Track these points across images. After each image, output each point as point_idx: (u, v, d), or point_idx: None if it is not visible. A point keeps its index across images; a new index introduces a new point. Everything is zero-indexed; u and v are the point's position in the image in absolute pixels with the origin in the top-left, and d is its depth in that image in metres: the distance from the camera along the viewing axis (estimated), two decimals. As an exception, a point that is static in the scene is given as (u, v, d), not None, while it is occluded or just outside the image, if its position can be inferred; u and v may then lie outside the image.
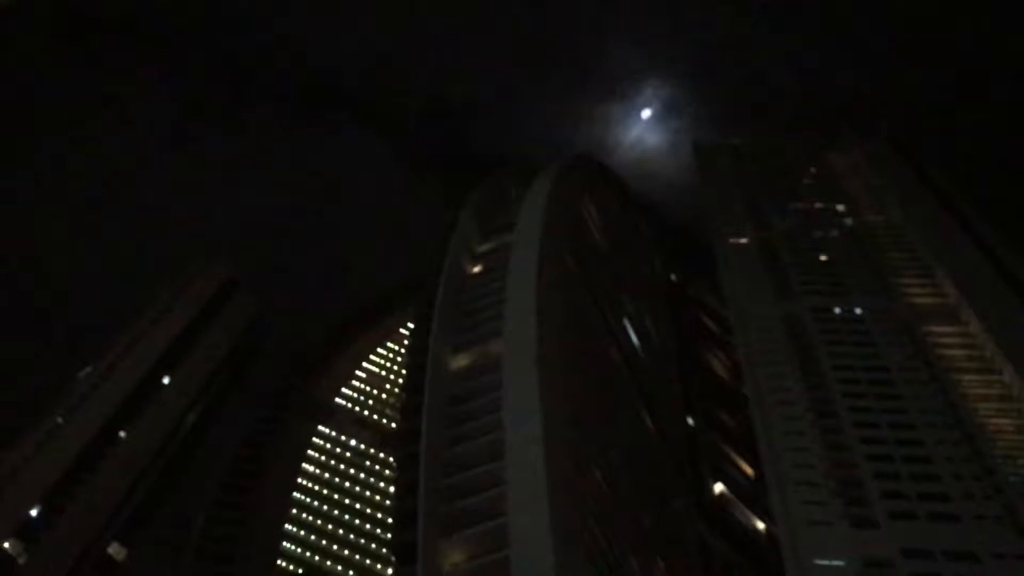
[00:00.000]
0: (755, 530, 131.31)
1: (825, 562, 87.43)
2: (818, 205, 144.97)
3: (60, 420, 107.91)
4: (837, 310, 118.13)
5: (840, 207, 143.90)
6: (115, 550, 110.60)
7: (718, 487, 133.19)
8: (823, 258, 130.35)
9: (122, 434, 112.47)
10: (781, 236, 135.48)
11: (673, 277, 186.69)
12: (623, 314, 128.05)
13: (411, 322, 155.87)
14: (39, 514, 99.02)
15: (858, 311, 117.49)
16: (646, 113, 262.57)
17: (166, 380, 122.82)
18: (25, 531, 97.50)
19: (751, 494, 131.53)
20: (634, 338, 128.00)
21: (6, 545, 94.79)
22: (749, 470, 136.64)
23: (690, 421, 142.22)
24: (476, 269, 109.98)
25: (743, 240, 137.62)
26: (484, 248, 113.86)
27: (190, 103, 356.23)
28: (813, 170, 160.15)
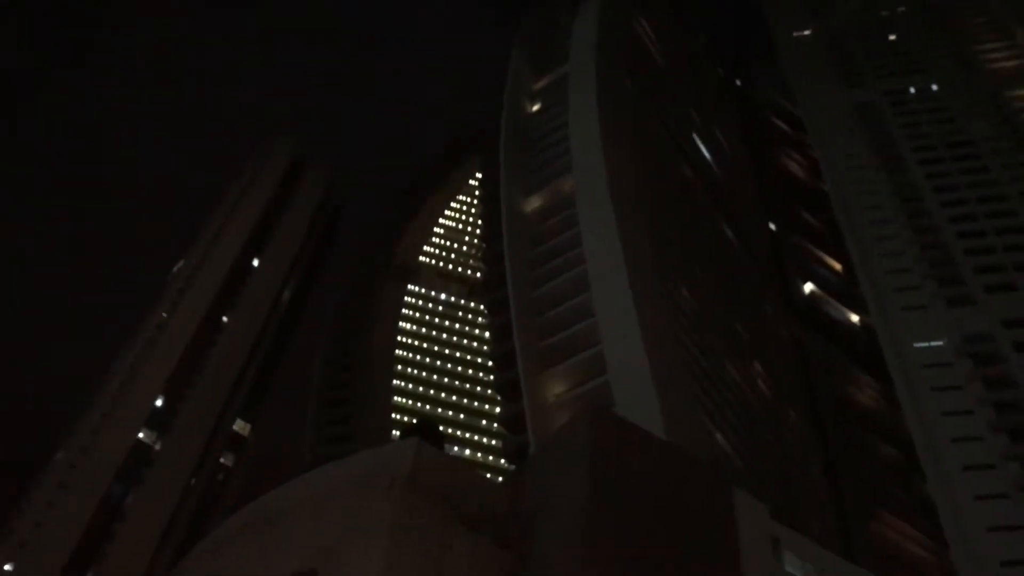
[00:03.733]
0: (849, 323, 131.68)
1: (923, 344, 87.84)
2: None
3: (165, 315, 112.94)
4: (912, 90, 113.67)
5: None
6: (240, 426, 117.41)
7: (808, 287, 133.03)
8: (892, 37, 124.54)
9: (225, 319, 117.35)
10: (845, 20, 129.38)
11: (738, 82, 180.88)
12: (691, 129, 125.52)
13: (479, 172, 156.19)
14: (164, 403, 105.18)
15: (934, 88, 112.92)
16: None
17: (256, 263, 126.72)
18: (155, 420, 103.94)
19: (842, 289, 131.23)
20: (705, 151, 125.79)
21: (141, 435, 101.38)
22: (837, 266, 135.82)
23: (772, 226, 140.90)
24: (536, 108, 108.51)
25: (806, 32, 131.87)
26: (541, 84, 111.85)
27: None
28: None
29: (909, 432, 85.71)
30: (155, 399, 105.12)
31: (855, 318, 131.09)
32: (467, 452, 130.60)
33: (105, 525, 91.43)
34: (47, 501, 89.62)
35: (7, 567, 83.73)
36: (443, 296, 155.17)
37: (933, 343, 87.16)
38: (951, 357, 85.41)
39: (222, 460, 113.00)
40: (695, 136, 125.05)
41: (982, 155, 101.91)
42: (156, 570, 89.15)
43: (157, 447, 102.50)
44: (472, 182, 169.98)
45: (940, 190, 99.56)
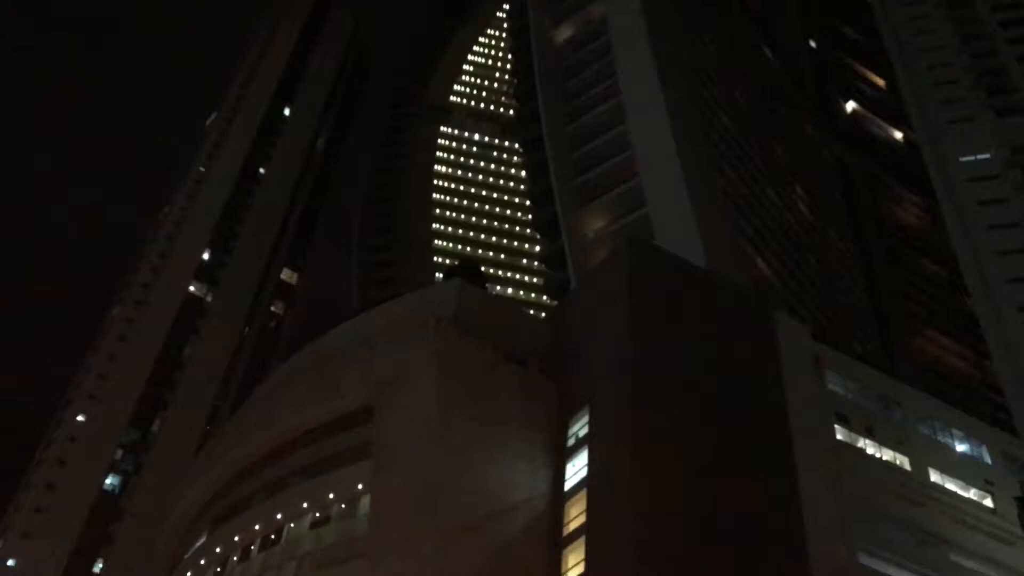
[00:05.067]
0: (893, 140, 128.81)
1: (970, 157, 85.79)
2: None
3: (202, 168, 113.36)
4: None
5: None
6: (287, 275, 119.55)
7: (850, 105, 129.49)
8: None
9: (262, 171, 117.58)
10: None
11: None
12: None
13: (506, 3, 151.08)
14: (211, 256, 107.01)
15: None
16: None
17: (287, 112, 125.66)
18: (204, 272, 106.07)
19: (885, 105, 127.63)
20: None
21: (192, 288, 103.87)
22: (880, 82, 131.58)
23: (812, 43, 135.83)
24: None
25: None
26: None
27: None
28: None
29: (953, 248, 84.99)
30: (202, 251, 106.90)
31: (898, 135, 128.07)
32: (509, 290, 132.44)
33: (166, 376, 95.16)
34: (107, 353, 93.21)
35: (79, 417, 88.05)
36: (476, 136, 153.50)
37: (980, 156, 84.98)
38: (998, 169, 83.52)
39: (273, 309, 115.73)
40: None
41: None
42: (217, 419, 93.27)
43: (209, 299, 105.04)
44: (500, 14, 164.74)
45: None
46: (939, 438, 53.70)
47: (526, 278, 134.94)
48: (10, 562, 78.12)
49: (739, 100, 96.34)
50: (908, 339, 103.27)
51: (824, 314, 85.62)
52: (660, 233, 69.04)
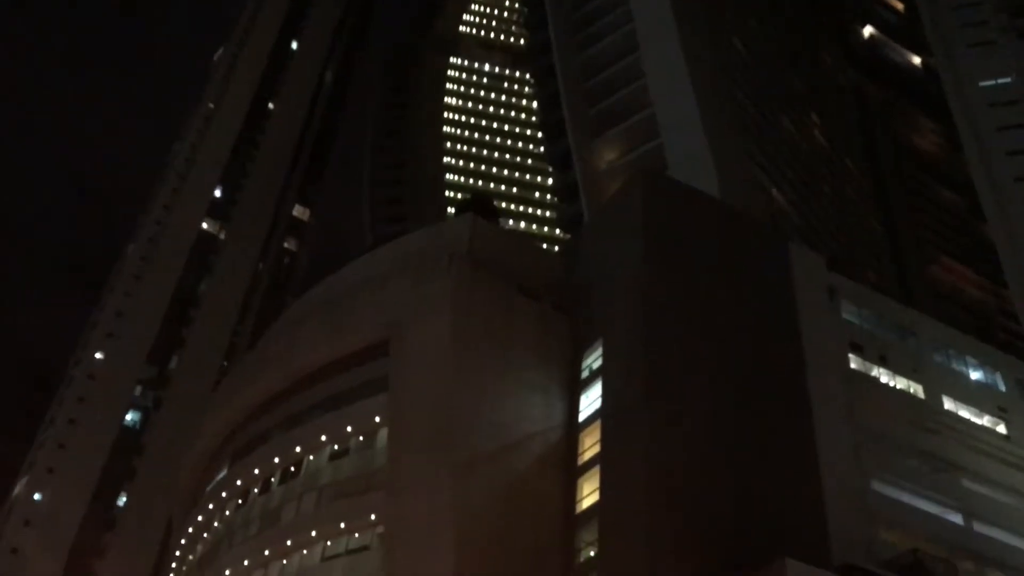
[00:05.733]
0: (911, 66, 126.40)
1: (990, 82, 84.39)
2: None
3: (211, 105, 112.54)
4: None
5: None
6: (299, 211, 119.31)
7: (867, 30, 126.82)
8: None
9: (271, 106, 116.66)
10: None
11: None
12: None
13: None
14: (223, 192, 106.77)
15: None
16: None
17: (295, 46, 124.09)
18: (216, 209, 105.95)
19: (904, 30, 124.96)
20: None
21: (204, 225, 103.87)
22: (899, 5, 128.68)
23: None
24: None
25: None
26: None
27: None
28: None
29: (970, 175, 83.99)
30: (214, 188, 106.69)
31: (917, 60, 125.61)
32: (522, 225, 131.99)
33: (182, 313, 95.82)
34: (124, 291, 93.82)
35: (98, 355, 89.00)
36: (487, 67, 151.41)
37: (1000, 80, 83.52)
38: (1018, 95, 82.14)
39: (286, 245, 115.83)
40: None
41: None
42: (234, 355, 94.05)
43: (222, 236, 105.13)
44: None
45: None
46: (953, 366, 53.73)
47: (539, 212, 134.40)
48: (37, 496, 79.89)
49: (754, 27, 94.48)
50: (924, 267, 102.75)
51: (839, 243, 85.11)
52: (674, 164, 68.40)
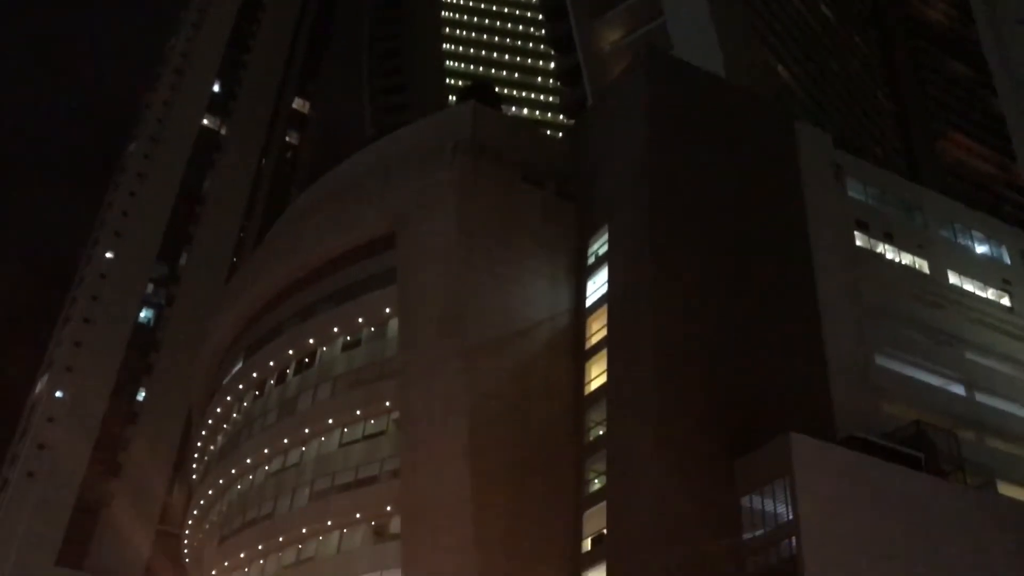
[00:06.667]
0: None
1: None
2: None
3: (192, 29, 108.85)
4: None
5: None
6: (299, 104, 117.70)
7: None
8: None
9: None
10: None
11: None
12: None
13: None
14: (222, 87, 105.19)
15: None
16: None
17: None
18: (216, 105, 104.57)
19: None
20: None
21: (205, 121, 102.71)
22: None
23: None
24: None
25: None
26: None
27: None
28: None
29: (981, 46, 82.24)
30: (212, 83, 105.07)
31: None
32: (524, 111, 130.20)
33: (189, 210, 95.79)
34: (129, 191, 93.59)
35: (108, 254, 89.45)
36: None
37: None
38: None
39: (288, 139, 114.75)
40: None
41: None
42: (243, 250, 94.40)
43: (223, 132, 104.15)
44: None
45: None
46: (959, 240, 53.89)
47: (542, 97, 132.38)
48: (58, 394, 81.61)
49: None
50: (932, 142, 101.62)
51: (846, 119, 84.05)
52: (678, 44, 67.04)
